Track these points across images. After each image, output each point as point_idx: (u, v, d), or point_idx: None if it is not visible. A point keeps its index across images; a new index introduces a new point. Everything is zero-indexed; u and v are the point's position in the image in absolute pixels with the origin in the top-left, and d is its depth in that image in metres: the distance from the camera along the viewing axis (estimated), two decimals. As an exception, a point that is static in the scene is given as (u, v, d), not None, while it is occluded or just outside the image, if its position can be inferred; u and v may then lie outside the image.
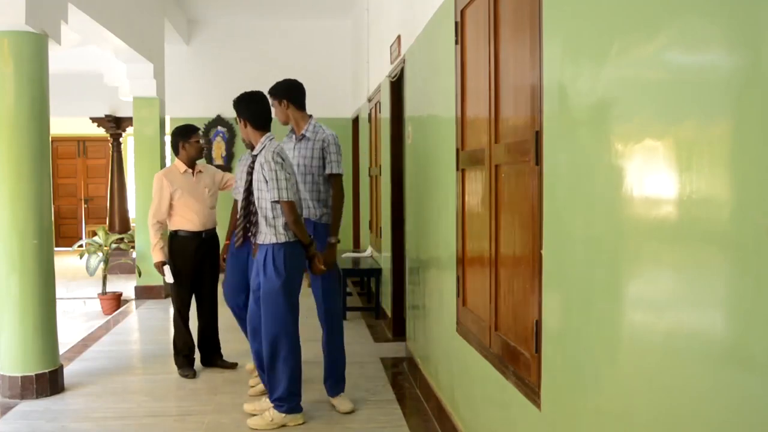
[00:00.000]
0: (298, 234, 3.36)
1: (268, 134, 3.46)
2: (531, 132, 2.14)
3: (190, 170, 4.47)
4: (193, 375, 4.39)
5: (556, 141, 1.96)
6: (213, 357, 4.61)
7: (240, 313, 4.21)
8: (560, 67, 1.93)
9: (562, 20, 1.93)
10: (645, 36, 1.47)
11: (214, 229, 4.53)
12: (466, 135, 3.01)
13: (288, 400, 3.44)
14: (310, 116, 3.83)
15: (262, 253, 3.38)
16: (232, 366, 4.56)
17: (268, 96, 3.68)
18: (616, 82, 1.61)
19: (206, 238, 4.43)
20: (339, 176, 3.79)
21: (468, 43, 2.98)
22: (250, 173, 3.71)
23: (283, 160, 3.33)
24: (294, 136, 3.81)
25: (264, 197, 3.35)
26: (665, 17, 1.39)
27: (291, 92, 3.78)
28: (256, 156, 3.43)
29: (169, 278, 4.33)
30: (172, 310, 4.59)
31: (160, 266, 4.31)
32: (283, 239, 3.35)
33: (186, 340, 4.49)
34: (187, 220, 4.37)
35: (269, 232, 3.35)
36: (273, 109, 3.71)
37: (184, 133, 4.48)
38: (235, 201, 4.30)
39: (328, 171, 3.76)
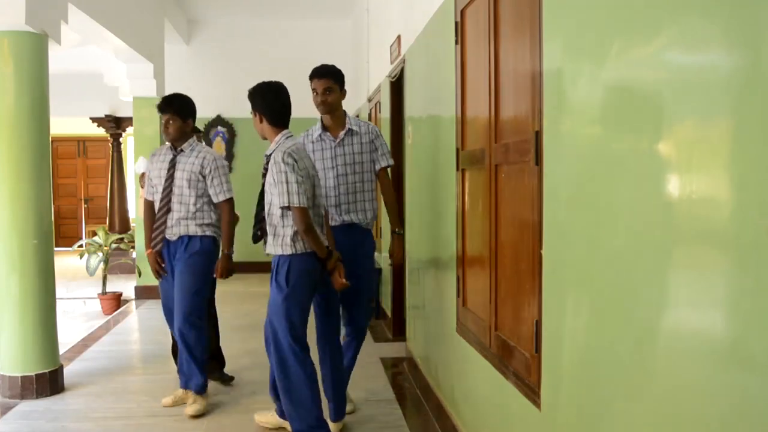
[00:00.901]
0: (312, 245, 2.93)
1: (284, 131, 3.04)
2: (531, 132, 2.14)
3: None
4: (231, 379, 4.23)
5: (556, 141, 1.96)
6: (213, 366, 4.20)
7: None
8: (560, 67, 1.93)
9: (562, 20, 1.93)
10: (645, 36, 1.47)
11: None
12: (466, 135, 3.01)
13: None
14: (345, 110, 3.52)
15: (273, 264, 3.03)
16: (230, 379, 4.24)
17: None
18: (616, 82, 1.61)
19: None
20: (389, 168, 3.55)
21: (468, 43, 2.98)
22: (170, 170, 3.65)
23: (295, 161, 2.90)
24: (329, 134, 3.44)
25: (274, 202, 2.96)
26: (665, 17, 1.39)
27: (343, 80, 3.44)
28: (269, 156, 3.01)
29: None
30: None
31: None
32: (289, 251, 2.94)
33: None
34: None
35: (275, 243, 2.98)
36: (315, 95, 3.38)
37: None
38: (148, 202, 3.83)
39: (384, 164, 3.48)
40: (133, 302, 7.17)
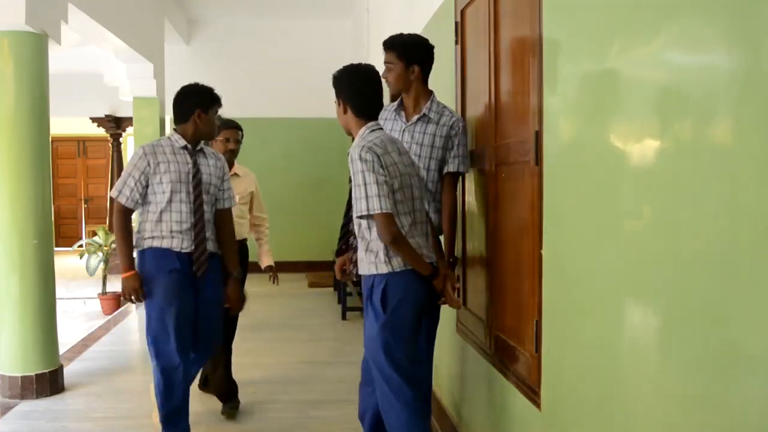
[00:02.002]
0: (406, 259, 2.35)
1: (371, 124, 2.46)
2: (531, 132, 2.14)
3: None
4: (236, 407, 3.73)
5: (556, 141, 1.96)
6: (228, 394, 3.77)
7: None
8: (560, 66, 1.93)
9: (562, 20, 1.93)
10: (645, 36, 1.47)
11: (243, 242, 3.82)
12: (466, 135, 3.01)
13: None
14: (431, 92, 2.86)
15: (365, 287, 2.47)
16: (235, 408, 3.73)
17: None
18: (616, 82, 1.61)
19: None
20: (460, 176, 2.88)
21: (468, 43, 2.98)
22: (196, 174, 2.99)
23: (377, 156, 2.32)
24: (403, 114, 2.85)
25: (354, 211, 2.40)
26: (665, 17, 1.39)
27: (423, 54, 2.81)
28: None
29: None
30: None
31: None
32: (385, 269, 2.35)
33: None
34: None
35: (367, 259, 2.40)
36: (389, 76, 2.80)
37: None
38: (127, 210, 3.07)
39: (452, 168, 2.77)
40: (133, 302, 7.16)
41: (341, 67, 2.56)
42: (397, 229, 2.31)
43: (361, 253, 2.44)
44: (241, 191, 3.78)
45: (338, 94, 2.53)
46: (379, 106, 2.52)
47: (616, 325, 1.61)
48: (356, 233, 2.47)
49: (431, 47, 2.83)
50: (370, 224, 2.37)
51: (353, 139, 2.52)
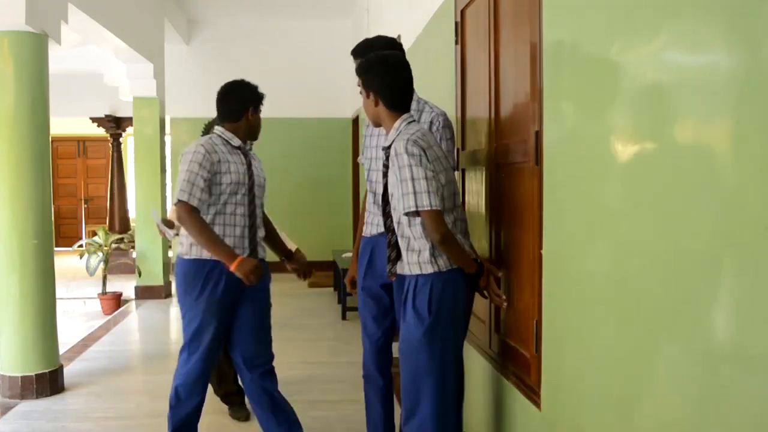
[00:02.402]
0: (454, 258, 2.22)
1: (405, 116, 2.34)
2: (531, 132, 2.14)
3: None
4: (247, 417, 3.63)
5: (556, 141, 1.96)
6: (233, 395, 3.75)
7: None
8: (560, 66, 1.93)
9: (562, 20, 1.93)
10: (645, 36, 1.47)
11: None
12: (466, 135, 3.01)
13: None
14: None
15: (405, 287, 2.32)
16: (245, 416, 3.66)
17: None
18: (616, 81, 1.61)
19: None
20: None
21: (468, 43, 2.98)
22: (249, 172, 2.84)
23: (423, 150, 2.19)
24: None
25: (399, 208, 2.25)
26: (665, 17, 1.39)
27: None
28: (388, 149, 2.33)
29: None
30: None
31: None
32: (430, 269, 2.22)
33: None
34: None
35: (409, 259, 2.27)
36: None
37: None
38: (195, 209, 2.91)
39: None
40: (133, 302, 7.16)
41: (369, 57, 2.40)
42: (446, 227, 2.18)
43: (404, 253, 2.30)
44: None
45: (367, 86, 2.36)
46: (411, 96, 2.39)
47: (616, 325, 1.61)
48: (395, 230, 2.34)
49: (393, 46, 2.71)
50: (414, 222, 2.23)
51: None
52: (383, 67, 2.33)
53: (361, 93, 2.39)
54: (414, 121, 2.34)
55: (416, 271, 2.25)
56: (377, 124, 2.43)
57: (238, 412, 3.64)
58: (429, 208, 2.14)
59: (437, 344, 2.22)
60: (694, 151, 1.30)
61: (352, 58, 2.76)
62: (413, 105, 2.63)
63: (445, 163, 2.28)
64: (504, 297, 2.35)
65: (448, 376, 2.24)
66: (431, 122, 2.65)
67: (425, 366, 2.22)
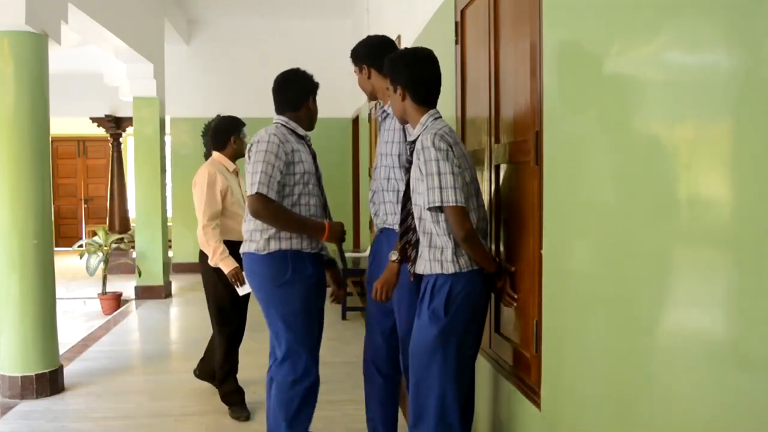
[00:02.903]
0: (477, 258, 2.17)
1: (432, 111, 2.32)
2: (531, 132, 2.14)
3: (236, 169, 3.65)
4: (247, 417, 3.63)
5: (556, 141, 1.96)
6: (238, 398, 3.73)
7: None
8: (560, 66, 1.93)
9: (562, 20, 1.93)
10: (645, 36, 1.47)
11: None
12: (466, 135, 3.01)
13: None
14: None
15: (422, 286, 2.27)
16: (246, 416, 3.64)
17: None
18: (616, 81, 1.61)
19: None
20: None
21: (468, 43, 2.98)
22: (315, 162, 2.83)
23: (450, 146, 2.15)
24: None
25: (420, 203, 2.22)
26: (665, 17, 1.39)
27: (374, 54, 2.66)
28: (413, 143, 2.29)
29: (247, 288, 3.51)
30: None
31: (235, 274, 3.47)
32: (451, 269, 2.17)
33: (234, 365, 3.78)
34: (232, 228, 3.54)
35: (431, 257, 2.21)
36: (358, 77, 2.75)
37: (236, 126, 3.70)
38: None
39: None
40: (133, 302, 7.16)
41: (398, 51, 2.42)
42: (470, 224, 2.14)
43: (424, 250, 2.24)
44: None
45: (395, 80, 2.34)
46: (438, 91, 2.37)
47: (616, 325, 1.61)
48: (416, 226, 2.29)
49: (382, 42, 2.72)
50: (438, 218, 2.18)
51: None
52: (411, 61, 2.31)
53: (387, 88, 2.39)
54: (440, 117, 2.32)
55: (437, 269, 2.19)
56: (404, 121, 2.40)
57: (239, 412, 3.64)
58: (454, 204, 2.10)
59: (451, 347, 2.16)
60: (694, 151, 1.30)
61: (348, 59, 2.81)
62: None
63: (468, 162, 2.26)
64: (516, 297, 2.31)
65: (458, 382, 2.19)
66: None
67: (437, 369, 2.17)
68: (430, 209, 2.16)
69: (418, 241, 2.28)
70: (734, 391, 1.18)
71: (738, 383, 1.17)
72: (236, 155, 3.70)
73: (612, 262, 1.63)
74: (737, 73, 1.16)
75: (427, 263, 2.23)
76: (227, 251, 3.46)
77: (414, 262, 2.31)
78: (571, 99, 1.88)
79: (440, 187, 2.11)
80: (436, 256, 2.20)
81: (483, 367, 2.72)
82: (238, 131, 3.70)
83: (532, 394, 2.16)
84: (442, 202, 2.11)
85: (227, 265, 3.47)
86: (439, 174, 2.11)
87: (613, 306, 1.62)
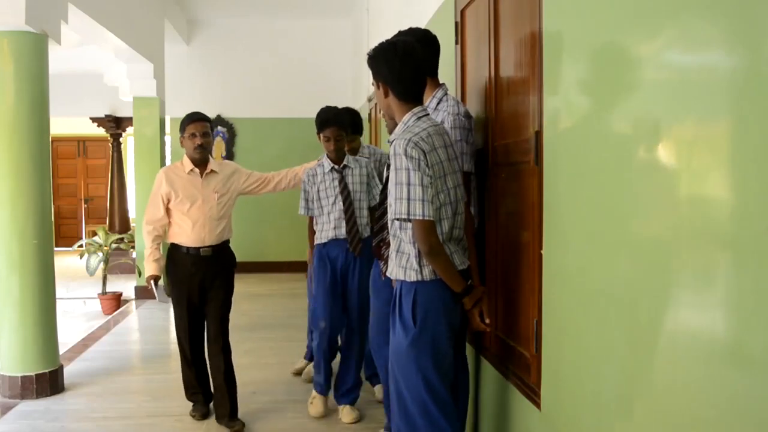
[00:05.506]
0: (440, 273, 2.12)
1: (416, 109, 2.21)
2: (531, 132, 2.14)
3: (197, 170, 3.48)
4: (201, 416, 3.61)
5: (556, 141, 1.96)
6: (221, 411, 3.52)
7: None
8: (560, 67, 1.93)
9: (562, 20, 1.93)
10: (645, 36, 1.47)
11: (224, 244, 3.53)
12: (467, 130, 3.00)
13: None
14: (439, 85, 2.67)
15: (393, 291, 2.26)
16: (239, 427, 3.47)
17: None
18: (617, 81, 1.61)
19: (207, 257, 3.43)
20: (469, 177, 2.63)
21: (468, 43, 2.98)
22: (344, 189, 3.43)
23: (424, 153, 2.07)
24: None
25: (390, 211, 2.17)
26: (665, 17, 1.39)
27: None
28: (392, 143, 2.19)
29: (161, 297, 3.59)
30: (173, 312, 4.32)
31: (149, 281, 3.52)
32: (415, 277, 2.13)
33: (188, 378, 3.63)
34: (182, 232, 3.45)
35: (398, 263, 2.19)
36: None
37: (182, 124, 3.51)
38: (310, 218, 3.71)
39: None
40: (133, 302, 7.16)
41: (376, 46, 2.28)
42: (436, 238, 2.08)
43: (392, 254, 2.22)
44: (219, 188, 3.50)
45: (376, 76, 2.25)
46: (423, 84, 2.24)
47: (616, 325, 1.61)
48: (389, 229, 2.26)
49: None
50: (405, 225, 2.15)
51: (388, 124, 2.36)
52: (390, 55, 2.20)
53: (372, 84, 2.29)
54: (426, 115, 2.21)
55: (401, 276, 2.17)
56: (390, 118, 2.33)
57: (232, 425, 3.45)
58: (421, 218, 2.05)
59: (425, 355, 2.12)
60: (694, 151, 1.30)
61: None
62: (433, 103, 2.55)
63: (446, 168, 2.15)
64: (488, 322, 2.25)
65: (436, 386, 2.13)
66: (442, 122, 2.53)
67: (412, 379, 2.13)
68: (397, 219, 2.12)
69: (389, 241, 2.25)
70: (734, 391, 1.18)
71: (738, 383, 1.17)
72: (190, 155, 3.48)
73: (612, 262, 1.63)
74: (737, 73, 1.16)
75: (394, 268, 2.21)
76: (157, 254, 3.50)
77: (387, 261, 2.27)
78: (571, 99, 1.88)
79: (408, 199, 2.06)
80: (402, 262, 2.17)
81: (483, 367, 2.72)
82: (181, 131, 3.49)
83: (532, 394, 2.16)
84: (408, 214, 2.06)
85: (148, 270, 3.49)
86: (408, 185, 2.06)
87: (613, 306, 1.62)
